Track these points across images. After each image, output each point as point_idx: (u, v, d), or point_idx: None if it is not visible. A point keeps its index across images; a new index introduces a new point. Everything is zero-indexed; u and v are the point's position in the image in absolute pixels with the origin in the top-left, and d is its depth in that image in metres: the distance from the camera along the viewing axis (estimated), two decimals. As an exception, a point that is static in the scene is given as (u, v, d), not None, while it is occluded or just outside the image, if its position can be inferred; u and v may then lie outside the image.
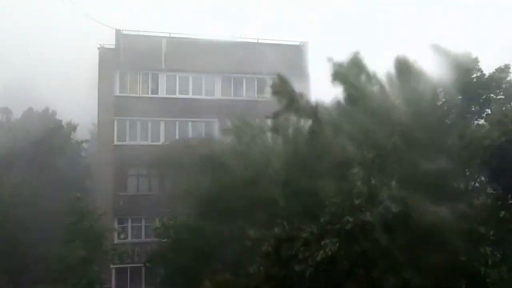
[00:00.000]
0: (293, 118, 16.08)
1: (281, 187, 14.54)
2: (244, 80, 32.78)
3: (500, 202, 14.51)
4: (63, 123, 36.14)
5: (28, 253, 28.80)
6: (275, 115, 16.12)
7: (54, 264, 24.24)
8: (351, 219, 12.27)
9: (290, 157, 15.24)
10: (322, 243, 12.26)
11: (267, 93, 32.62)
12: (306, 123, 15.27)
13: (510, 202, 14.58)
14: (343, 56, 15.95)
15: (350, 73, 15.49)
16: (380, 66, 17.65)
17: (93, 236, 24.72)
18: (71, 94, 37.37)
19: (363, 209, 12.57)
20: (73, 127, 36.51)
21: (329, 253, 12.01)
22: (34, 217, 28.73)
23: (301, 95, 15.52)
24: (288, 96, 15.49)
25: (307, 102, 15.51)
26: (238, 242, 14.46)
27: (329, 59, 15.69)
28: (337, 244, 12.16)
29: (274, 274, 12.73)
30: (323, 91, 17.84)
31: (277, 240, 12.81)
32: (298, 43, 33.41)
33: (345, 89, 15.58)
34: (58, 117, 35.61)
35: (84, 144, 38.31)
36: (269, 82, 32.25)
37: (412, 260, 12.38)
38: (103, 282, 25.75)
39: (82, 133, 36.89)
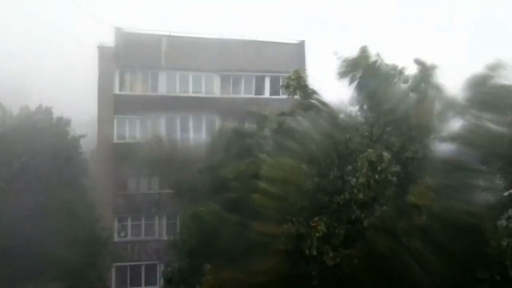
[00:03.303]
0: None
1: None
2: (243, 79, 32.76)
3: None
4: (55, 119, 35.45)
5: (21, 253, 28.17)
6: (290, 113, 14.93)
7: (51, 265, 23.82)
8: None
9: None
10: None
11: (265, 91, 32.99)
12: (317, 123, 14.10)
13: None
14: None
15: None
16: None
17: (92, 239, 24.58)
18: (70, 92, 37.29)
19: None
20: (66, 122, 35.93)
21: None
22: (27, 216, 28.44)
23: (315, 92, 14.31)
24: (302, 91, 14.17)
25: (320, 100, 14.33)
26: (245, 237, 13.92)
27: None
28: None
29: (285, 272, 12.35)
30: (322, 90, 17.60)
31: (289, 237, 12.18)
32: (296, 42, 33.35)
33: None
34: (56, 115, 35.09)
35: (82, 141, 37.77)
36: (267, 80, 32.86)
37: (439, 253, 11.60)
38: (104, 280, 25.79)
39: (81, 132, 36.48)
